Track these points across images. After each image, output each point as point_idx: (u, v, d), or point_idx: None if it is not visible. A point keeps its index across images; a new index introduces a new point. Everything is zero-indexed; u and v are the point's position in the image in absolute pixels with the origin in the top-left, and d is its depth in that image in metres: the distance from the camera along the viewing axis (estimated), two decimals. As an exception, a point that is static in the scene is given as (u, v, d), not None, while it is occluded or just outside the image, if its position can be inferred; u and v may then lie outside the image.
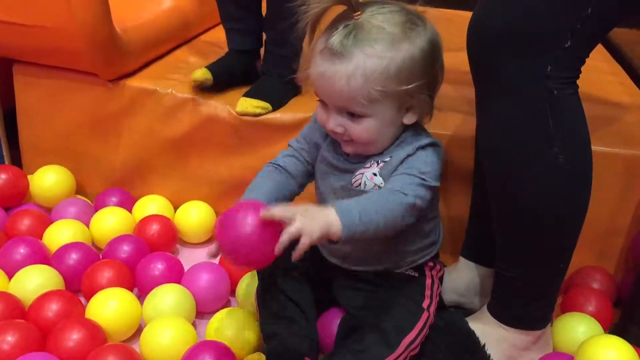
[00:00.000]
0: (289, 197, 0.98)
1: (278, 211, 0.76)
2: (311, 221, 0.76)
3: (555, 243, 0.93)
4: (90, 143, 1.39)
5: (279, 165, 0.99)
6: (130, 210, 1.35)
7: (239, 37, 1.37)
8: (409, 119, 0.89)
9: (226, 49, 1.53)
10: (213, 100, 1.30)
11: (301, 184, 1.00)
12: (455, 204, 1.24)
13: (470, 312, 1.09)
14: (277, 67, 1.29)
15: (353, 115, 0.86)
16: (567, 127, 0.86)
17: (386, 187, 0.88)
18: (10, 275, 1.12)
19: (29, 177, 1.38)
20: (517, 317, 0.98)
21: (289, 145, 1.02)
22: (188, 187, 1.37)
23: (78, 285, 1.14)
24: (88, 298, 1.09)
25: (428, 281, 0.99)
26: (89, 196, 1.42)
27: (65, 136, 1.39)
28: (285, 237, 0.75)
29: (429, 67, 0.87)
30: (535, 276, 0.95)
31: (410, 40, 0.84)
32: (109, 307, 1.04)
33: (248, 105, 1.26)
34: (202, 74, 1.28)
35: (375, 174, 0.91)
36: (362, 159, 0.92)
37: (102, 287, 1.09)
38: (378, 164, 0.91)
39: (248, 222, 0.77)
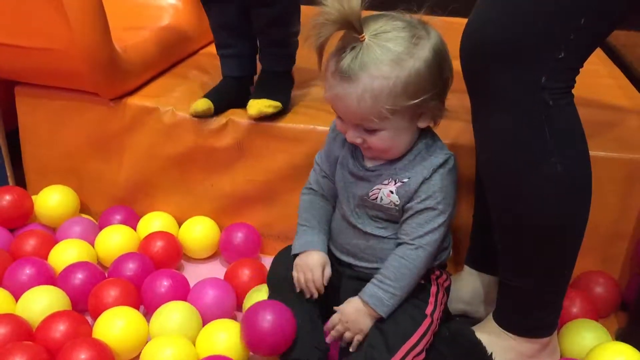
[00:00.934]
0: (331, 220, 1.06)
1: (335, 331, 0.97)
2: (357, 325, 0.95)
3: (557, 252, 0.93)
4: (93, 162, 1.39)
5: (317, 190, 1.07)
6: (134, 228, 1.35)
7: (233, 64, 1.36)
8: (422, 123, 0.93)
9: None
10: (214, 116, 1.30)
11: (333, 202, 1.07)
12: (459, 213, 1.24)
13: (476, 320, 1.09)
14: (277, 65, 1.33)
15: (368, 130, 0.91)
16: (564, 137, 0.86)
17: (406, 243, 0.95)
18: (16, 297, 1.12)
19: (33, 197, 1.38)
20: (523, 325, 0.98)
21: (315, 162, 1.07)
22: (192, 203, 1.38)
23: (85, 304, 1.14)
24: (95, 317, 1.09)
25: (433, 289, 1.00)
26: (94, 215, 1.43)
27: (69, 156, 1.40)
28: (334, 333, 0.96)
29: (436, 77, 0.89)
30: (539, 285, 0.95)
31: (414, 56, 0.87)
32: (116, 326, 1.04)
33: (261, 106, 1.25)
34: (202, 104, 1.27)
35: (392, 192, 0.95)
36: (381, 171, 0.96)
37: (108, 306, 1.09)
38: (395, 183, 0.95)
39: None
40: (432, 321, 0.96)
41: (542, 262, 0.93)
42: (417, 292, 0.98)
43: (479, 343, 1.00)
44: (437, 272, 1.02)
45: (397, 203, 0.95)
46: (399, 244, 0.96)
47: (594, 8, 0.80)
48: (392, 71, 0.86)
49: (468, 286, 1.13)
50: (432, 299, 0.99)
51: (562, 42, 0.81)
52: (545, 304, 0.98)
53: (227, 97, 1.33)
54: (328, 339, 0.97)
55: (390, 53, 0.86)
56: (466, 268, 1.15)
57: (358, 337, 0.95)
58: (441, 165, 0.94)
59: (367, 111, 0.88)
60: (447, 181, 0.94)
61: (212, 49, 1.65)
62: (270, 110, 1.25)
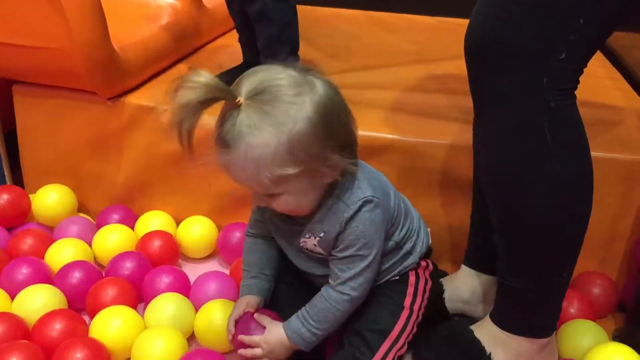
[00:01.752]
0: (278, 258, 1.04)
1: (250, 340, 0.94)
2: (275, 355, 0.94)
3: (557, 253, 0.92)
4: (91, 161, 1.39)
5: (256, 233, 1.04)
6: (132, 227, 1.35)
7: (246, 50, 1.44)
8: (327, 179, 0.86)
9: (221, 62, 1.55)
10: (212, 114, 1.30)
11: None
12: (456, 213, 1.24)
13: (475, 320, 1.09)
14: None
15: (268, 195, 0.85)
16: (565, 138, 0.86)
17: (330, 286, 0.92)
18: (13, 296, 1.12)
19: (30, 196, 1.38)
20: (522, 326, 0.98)
21: (254, 207, 1.03)
22: (190, 203, 1.38)
23: (81, 304, 1.14)
24: (92, 316, 1.09)
25: (412, 279, 0.99)
26: (91, 214, 1.42)
27: (66, 155, 1.40)
28: (249, 353, 0.94)
29: (326, 134, 0.81)
30: (538, 285, 0.95)
31: (294, 118, 0.78)
32: (113, 325, 1.04)
33: None
34: None
35: (315, 245, 0.93)
36: (302, 225, 0.92)
37: (105, 305, 1.09)
38: (315, 237, 0.92)
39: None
40: (410, 312, 0.96)
41: (542, 263, 0.92)
42: (393, 287, 0.98)
43: (477, 342, 0.99)
44: (414, 265, 1.00)
45: (323, 253, 0.93)
46: (327, 285, 0.93)
47: (593, 8, 0.79)
48: (272, 138, 0.78)
49: (466, 286, 1.13)
50: (410, 290, 0.98)
51: (562, 43, 0.80)
52: (545, 305, 0.98)
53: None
54: (240, 352, 0.96)
55: (268, 117, 0.78)
56: (464, 267, 1.15)
57: None
58: (353, 216, 0.87)
59: (255, 180, 0.81)
60: (365, 225, 0.88)
61: (211, 47, 1.67)
62: None
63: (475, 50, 0.86)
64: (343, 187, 0.88)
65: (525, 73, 0.82)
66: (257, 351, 0.93)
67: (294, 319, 0.93)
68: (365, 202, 0.87)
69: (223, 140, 0.80)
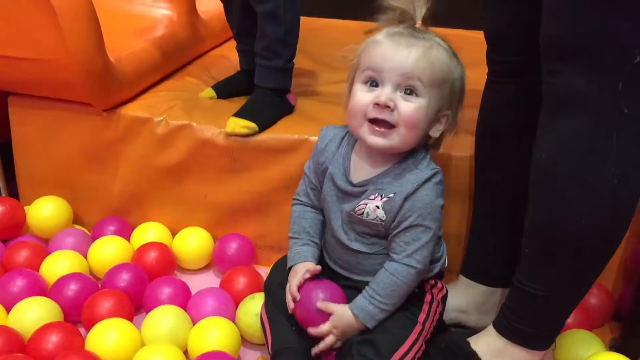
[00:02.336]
0: (322, 229, 1.06)
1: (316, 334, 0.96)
2: (343, 333, 0.95)
3: (589, 264, 0.91)
4: (86, 173, 1.39)
5: (305, 201, 1.07)
6: (128, 239, 1.35)
7: (242, 58, 1.47)
8: (435, 131, 0.96)
9: (215, 74, 1.56)
10: (207, 125, 1.31)
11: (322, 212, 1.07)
12: (453, 223, 1.24)
13: (471, 330, 1.09)
14: (269, 81, 1.33)
15: (408, 94, 0.92)
16: (630, 149, 0.84)
17: (393, 260, 0.95)
18: (8, 308, 1.12)
19: (25, 208, 1.38)
20: (526, 335, 0.98)
21: (305, 172, 1.07)
22: (185, 214, 1.38)
23: (77, 316, 1.13)
24: (88, 329, 1.09)
25: (427, 297, 1.00)
26: (87, 226, 1.42)
27: (62, 167, 1.40)
28: (323, 345, 0.96)
29: (462, 97, 0.97)
30: (556, 295, 0.94)
31: (460, 64, 0.96)
32: (109, 337, 1.04)
33: (235, 125, 1.27)
34: (206, 93, 1.44)
35: (378, 207, 0.95)
36: (368, 186, 0.95)
37: (102, 317, 1.08)
38: (382, 198, 0.94)
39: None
40: (422, 328, 0.96)
41: (566, 272, 0.91)
42: (411, 300, 0.98)
43: (474, 354, 0.99)
44: (432, 282, 1.01)
45: (383, 219, 0.94)
46: (390, 260, 0.96)
47: None
48: (449, 57, 0.94)
49: (464, 296, 1.13)
50: (425, 307, 0.99)
51: (636, 45, 0.79)
52: (554, 317, 0.97)
53: (233, 88, 1.46)
54: (316, 350, 0.97)
55: (447, 45, 0.95)
56: (461, 277, 1.15)
57: (339, 343, 0.97)
58: (426, 181, 0.94)
59: (427, 65, 0.91)
60: (432, 196, 0.94)
61: (207, 58, 1.67)
62: (244, 131, 1.27)
63: (552, 52, 0.85)
64: (418, 158, 0.96)
65: (601, 76, 0.81)
66: (330, 340, 0.95)
67: (360, 299, 0.95)
68: (436, 173, 0.95)
69: (411, 31, 0.94)
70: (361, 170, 0.98)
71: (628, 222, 0.89)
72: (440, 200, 0.95)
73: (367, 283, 0.98)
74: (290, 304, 0.98)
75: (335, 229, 1.01)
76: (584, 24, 0.80)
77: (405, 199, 0.93)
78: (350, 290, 1.01)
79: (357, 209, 0.96)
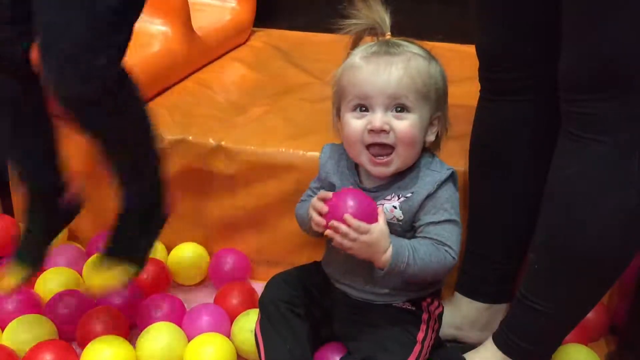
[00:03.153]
0: None
1: (344, 230, 0.88)
2: (364, 251, 0.90)
3: (599, 283, 0.92)
4: (82, 189, 1.38)
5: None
6: (123, 255, 1.34)
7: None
8: (430, 135, 0.96)
9: (215, 89, 1.55)
10: (203, 140, 1.31)
11: None
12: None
13: (466, 346, 1.09)
14: (139, 204, 1.07)
15: (399, 111, 0.92)
16: None
17: (436, 240, 0.93)
18: (3, 326, 1.11)
19: (20, 225, 1.37)
20: (526, 351, 0.98)
21: (310, 187, 1.06)
22: (181, 229, 1.37)
23: (72, 333, 1.13)
24: (83, 347, 1.08)
25: (424, 315, 1.00)
26: (81, 242, 1.42)
27: (56, 182, 1.39)
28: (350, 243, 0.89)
29: (446, 93, 0.97)
30: (561, 312, 0.94)
31: (436, 62, 0.96)
32: (104, 355, 1.03)
33: (102, 280, 1.01)
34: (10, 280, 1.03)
35: (395, 207, 0.94)
36: (382, 190, 0.96)
37: (96, 335, 1.08)
38: (399, 198, 0.94)
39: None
40: (422, 347, 0.96)
41: (577, 289, 0.92)
42: (408, 319, 0.98)
43: (470, 370, 1.00)
44: (429, 300, 1.01)
45: (401, 218, 0.94)
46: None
47: None
48: (427, 62, 0.94)
49: (459, 312, 1.13)
50: (423, 326, 0.98)
51: None
52: (556, 333, 0.98)
53: (37, 247, 1.08)
54: (328, 233, 0.91)
55: (421, 50, 0.95)
56: (457, 294, 1.15)
57: (355, 248, 0.90)
58: (445, 180, 0.95)
59: (410, 80, 0.91)
60: (451, 193, 0.95)
61: (202, 74, 1.67)
62: (117, 281, 1.01)
63: (576, 78, 0.85)
64: (429, 161, 0.97)
65: (622, 100, 0.81)
66: (365, 237, 0.89)
67: (404, 243, 0.92)
68: (453, 173, 0.96)
69: (386, 48, 0.94)
70: (371, 176, 0.97)
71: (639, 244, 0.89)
72: (455, 195, 0.96)
73: (365, 300, 0.99)
74: (318, 219, 0.92)
75: None
76: (605, 53, 0.80)
77: (426, 198, 0.94)
78: (346, 307, 1.02)
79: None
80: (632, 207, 0.84)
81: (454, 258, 0.93)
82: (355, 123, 0.93)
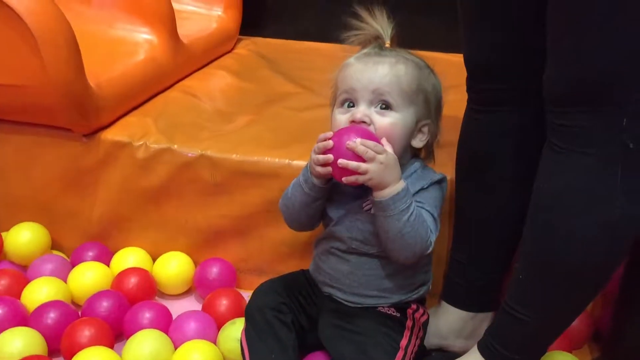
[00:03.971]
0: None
1: (362, 150, 0.90)
2: (380, 174, 0.91)
3: (584, 293, 0.93)
4: (65, 198, 1.38)
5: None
6: (108, 264, 1.33)
7: None
8: (417, 141, 0.99)
9: (201, 97, 1.55)
10: (188, 149, 1.30)
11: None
12: (435, 247, 1.25)
13: (452, 354, 1.09)
14: None
15: (382, 109, 0.95)
16: (634, 184, 0.84)
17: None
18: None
19: (3, 234, 1.36)
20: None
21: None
22: (166, 238, 1.37)
23: (58, 344, 1.12)
24: (68, 359, 1.07)
25: (409, 322, 1.01)
26: (65, 251, 1.40)
27: (40, 192, 1.38)
28: (353, 175, 0.91)
29: (440, 105, 1.01)
30: (546, 322, 0.95)
31: (433, 74, 1.01)
32: (90, 366, 1.02)
33: None
34: None
35: None
36: (370, 189, 0.96)
37: (82, 346, 1.07)
38: None
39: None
40: (405, 353, 0.96)
41: (561, 301, 0.92)
42: (392, 325, 0.99)
43: (455, 378, 1.00)
44: (414, 307, 1.02)
45: None
46: None
47: None
48: (418, 68, 0.98)
49: (444, 321, 1.13)
50: (407, 332, 0.99)
51: (637, 83, 0.80)
52: (540, 343, 0.98)
53: None
54: (341, 162, 0.90)
55: (416, 58, 1.00)
56: (442, 303, 1.15)
57: (363, 179, 0.91)
58: (438, 182, 1.00)
59: (395, 79, 0.95)
60: (437, 195, 0.99)
61: (187, 82, 1.67)
62: None
63: (556, 90, 0.85)
64: (419, 166, 1.01)
65: (604, 112, 0.82)
66: (381, 157, 0.90)
67: (408, 194, 0.93)
68: (445, 178, 1.02)
69: (379, 50, 0.99)
70: None
71: (625, 255, 0.90)
72: (442, 201, 1.01)
73: (349, 303, 1.01)
74: (324, 157, 0.92)
75: (334, 231, 1.01)
76: (588, 66, 0.81)
77: (417, 192, 0.97)
78: (330, 313, 1.02)
79: (364, 205, 0.97)
80: (615, 220, 0.85)
81: (432, 242, 0.95)
82: (340, 117, 0.97)
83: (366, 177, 0.90)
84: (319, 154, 0.93)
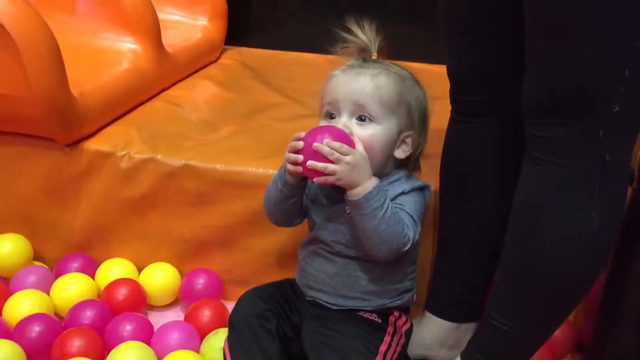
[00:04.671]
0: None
1: (327, 151, 0.91)
2: (348, 174, 0.91)
3: (563, 303, 0.93)
4: (48, 209, 1.36)
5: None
6: (92, 276, 1.32)
7: None
8: (400, 152, 1.00)
9: (185, 106, 1.54)
10: (172, 159, 1.30)
11: None
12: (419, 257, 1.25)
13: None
14: None
15: (362, 120, 0.96)
16: (611, 195, 0.86)
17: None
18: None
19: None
20: None
21: None
22: (150, 249, 1.36)
23: (41, 358, 1.10)
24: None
25: (390, 329, 1.01)
26: (48, 263, 1.39)
27: (22, 203, 1.37)
28: (322, 176, 0.92)
29: (425, 116, 1.02)
30: (527, 332, 0.95)
31: (418, 85, 1.02)
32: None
33: None
34: None
35: None
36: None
37: (72, 357, 1.06)
38: None
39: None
40: (383, 358, 0.97)
41: (542, 310, 0.93)
42: (371, 331, 0.99)
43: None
44: (397, 314, 1.02)
45: None
46: None
47: (636, 58, 0.79)
48: (400, 80, 0.99)
49: (427, 331, 1.14)
50: (387, 338, 1.00)
51: (614, 96, 0.80)
52: (522, 353, 0.99)
53: None
54: (310, 163, 0.92)
55: (401, 70, 1.01)
56: (426, 313, 1.16)
57: (331, 181, 0.92)
58: (420, 188, 1.01)
59: (376, 90, 0.96)
60: (419, 200, 1.00)
61: (172, 92, 1.66)
62: None
63: (533, 103, 0.86)
64: (407, 176, 1.03)
65: (582, 125, 0.82)
66: (348, 158, 0.91)
67: (381, 192, 0.93)
68: (428, 186, 1.03)
69: (361, 62, 1.01)
70: None
71: (604, 265, 0.91)
72: (425, 208, 1.02)
73: (333, 305, 1.02)
74: (295, 156, 0.94)
75: (319, 235, 1.02)
76: (560, 78, 0.82)
77: (398, 196, 0.98)
78: (314, 320, 1.02)
79: (347, 208, 0.97)
80: (593, 231, 0.86)
81: (409, 239, 0.95)
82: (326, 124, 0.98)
83: (334, 178, 0.92)
84: (291, 152, 0.95)
